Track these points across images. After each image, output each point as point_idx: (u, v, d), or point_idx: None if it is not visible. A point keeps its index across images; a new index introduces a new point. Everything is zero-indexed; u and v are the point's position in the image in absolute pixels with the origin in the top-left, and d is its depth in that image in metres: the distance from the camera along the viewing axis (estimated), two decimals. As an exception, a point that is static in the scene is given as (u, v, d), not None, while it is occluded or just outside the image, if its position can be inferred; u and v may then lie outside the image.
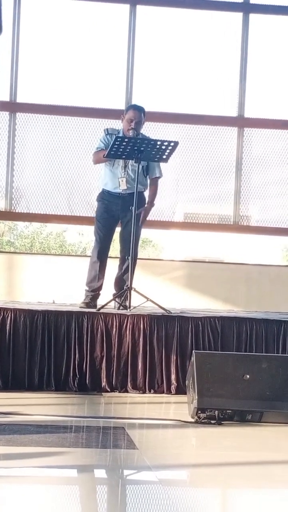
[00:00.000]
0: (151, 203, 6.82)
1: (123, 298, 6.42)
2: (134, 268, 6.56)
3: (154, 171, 6.78)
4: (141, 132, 6.79)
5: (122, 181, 6.61)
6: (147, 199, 6.81)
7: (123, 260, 6.75)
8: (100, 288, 6.73)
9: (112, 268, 6.83)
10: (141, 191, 6.71)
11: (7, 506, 3.13)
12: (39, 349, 5.99)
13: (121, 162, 6.62)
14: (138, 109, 6.73)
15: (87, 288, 6.73)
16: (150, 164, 6.69)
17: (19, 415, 4.87)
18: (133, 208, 6.37)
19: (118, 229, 6.91)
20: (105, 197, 6.75)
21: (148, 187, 6.81)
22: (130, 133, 6.53)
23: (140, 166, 6.49)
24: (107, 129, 6.82)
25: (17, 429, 4.45)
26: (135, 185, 6.43)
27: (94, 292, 6.70)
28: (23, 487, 3.48)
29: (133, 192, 6.47)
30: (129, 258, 6.45)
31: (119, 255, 6.89)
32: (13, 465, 3.78)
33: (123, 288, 6.58)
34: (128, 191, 6.61)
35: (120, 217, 6.73)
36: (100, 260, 6.70)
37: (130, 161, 6.54)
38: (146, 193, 6.82)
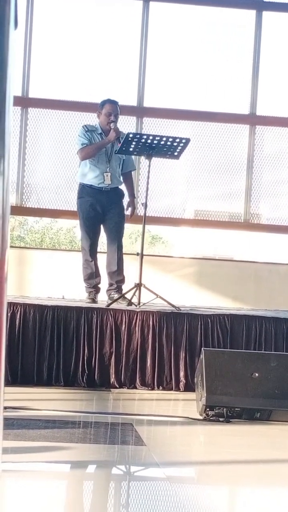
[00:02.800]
0: (134, 195, 6.97)
1: (132, 294, 6.44)
2: (141, 265, 6.57)
3: (129, 165, 6.89)
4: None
5: (107, 176, 6.70)
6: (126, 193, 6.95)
7: (111, 253, 6.79)
8: (99, 283, 6.83)
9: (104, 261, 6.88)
10: (119, 187, 6.86)
11: (15, 500, 3.14)
12: (48, 344, 6.00)
13: (104, 156, 6.68)
14: (114, 103, 6.78)
15: (87, 285, 6.79)
16: (126, 157, 6.77)
17: (27, 410, 4.88)
18: (144, 203, 6.44)
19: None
20: (89, 193, 6.79)
21: (124, 181, 6.90)
22: (112, 126, 6.59)
23: (119, 163, 6.72)
24: (85, 125, 6.85)
25: (25, 424, 4.46)
26: (120, 179, 6.56)
27: (95, 288, 6.78)
28: (31, 482, 3.49)
29: (115, 187, 6.75)
30: (138, 254, 6.47)
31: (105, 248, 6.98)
32: (22, 459, 3.79)
33: (118, 282, 6.70)
34: (111, 185, 6.73)
35: (105, 212, 6.78)
36: (93, 257, 6.80)
37: (114, 156, 6.64)
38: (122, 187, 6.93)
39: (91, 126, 6.81)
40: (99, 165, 6.72)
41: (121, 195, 6.85)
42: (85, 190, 6.82)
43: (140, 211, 6.81)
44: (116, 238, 6.82)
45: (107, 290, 6.77)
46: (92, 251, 6.79)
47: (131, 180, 7.01)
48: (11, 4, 1.30)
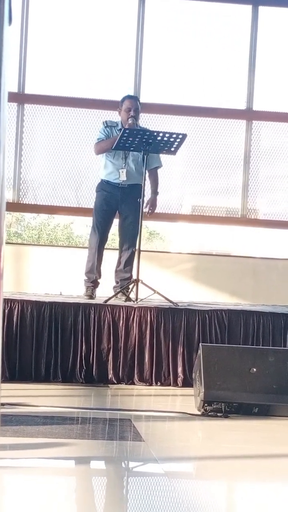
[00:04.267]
0: (156, 192, 6.87)
1: (130, 290, 6.43)
2: (139, 260, 6.56)
3: (153, 162, 6.79)
4: (139, 124, 6.86)
5: (122, 172, 6.67)
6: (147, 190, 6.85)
7: (122, 251, 6.77)
8: (98, 278, 6.77)
9: (112, 259, 6.85)
10: (141, 183, 6.67)
11: (14, 496, 3.14)
12: (46, 340, 6.00)
13: (121, 153, 6.67)
14: (134, 98, 6.87)
15: (86, 279, 6.76)
16: (149, 155, 6.70)
17: (26, 406, 4.88)
18: (140, 200, 6.41)
19: (116, 221, 6.94)
20: (105, 188, 6.78)
21: (148, 178, 6.84)
22: (130, 121, 6.58)
23: (141, 158, 6.56)
24: (106, 121, 6.87)
25: (24, 420, 4.45)
26: (141, 177, 6.49)
27: (93, 283, 6.74)
28: (29, 478, 3.49)
29: (132, 184, 6.62)
30: (135, 250, 6.46)
31: (117, 247, 6.93)
32: (20, 455, 3.79)
33: (122, 280, 6.68)
34: (128, 182, 6.68)
35: (119, 209, 6.76)
36: (98, 251, 6.74)
37: (131, 153, 6.59)
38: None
39: (111, 122, 6.84)
40: (114, 161, 6.72)
41: (138, 192, 6.54)
42: (101, 185, 6.83)
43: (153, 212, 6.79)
44: (127, 237, 6.76)
45: (114, 287, 6.75)
46: (98, 244, 6.73)
47: (154, 177, 6.88)
48: (5, 0, 1.29)
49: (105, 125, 6.77)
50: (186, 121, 9.01)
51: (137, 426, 4.50)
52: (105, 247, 6.86)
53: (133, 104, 6.73)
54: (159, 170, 6.92)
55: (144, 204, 6.64)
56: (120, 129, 6.65)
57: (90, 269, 6.75)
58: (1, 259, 1.22)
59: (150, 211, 6.77)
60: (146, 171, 6.72)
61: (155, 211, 6.90)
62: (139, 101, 6.87)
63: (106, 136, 6.72)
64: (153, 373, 6.08)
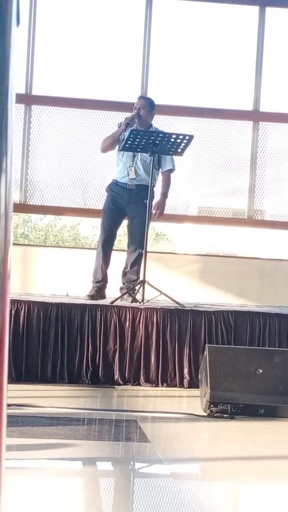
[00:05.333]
0: (165, 194, 6.81)
1: (136, 292, 6.42)
2: (145, 261, 6.55)
3: (165, 164, 6.78)
4: (154, 126, 6.86)
5: (130, 170, 6.67)
6: (157, 193, 6.84)
7: (129, 253, 6.77)
8: (104, 279, 6.72)
9: (120, 260, 6.84)
10: (151, 185, 6.63)
11: (20, 497, 3.15)
12: (52, 341, 6.01)
13: (130, 152, 6.67)
14: (143, 98, 6.97)
15: (93, 279, 6.76)
16: (162, 157, 6.70)
17: (32, 407, 4.89)
18: (147, 201, 6.40)
19: (125, 222, 6.94)
20: (113, 188, 6.79)
21: (161, 180, 6.83)
22: (129, 115, 6.63)
23: (151, 158, 6.50)
24: (120, 122, 6.86)
25: (30, 421, 4.46)
26: (149, 178, 6.50)
27: (98, 284, 6.70)
28: (35, 479, 3.49)
29: (140, 185, 6.61)
30: (142, 251, 6.46)
31: (126, 248, 6.93)
32: (26, 456, 3.80)
33: (128, 282, 6.66)
34: (135, 182, 6.67)
35: (127, 210, 6.75)
36: (104, 251, 6.71)
37: (139, 153, 6.60)
38: (156, 188, 6.81)
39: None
40: (123, 159, 6.73)
41: (145, 194, 6.47)
42: (111, 186, 6.84)
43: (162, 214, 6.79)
44: (135, 239, 6.73)
45: (120, 288, 6.74)
46: (104, 244, 6.73)
47: (166, 180, 6.83)
48: (13, 1, 1.30)
49: (119, 126, 6.81)
50: (193, 122, 9.01)
51: (143, 427, 4.50)
52: (113, 248, 6.85)
53: (140, 103, 6.78)
54: (172, 174, 6.89)
55: (153, 206, 6.64)
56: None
57: (96, 269, 6.75)
58: (8, 260, 1.23)
59: (157, 214, 6.74)
60: (159, 173, 6.74)
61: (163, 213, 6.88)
62: (150, 101, 6.87)
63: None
64: (159, 374, 6.08)
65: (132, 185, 6.69)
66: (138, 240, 6.68)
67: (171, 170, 6.84)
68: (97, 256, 6.75)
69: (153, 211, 6.65)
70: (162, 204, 6.76)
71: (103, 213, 6.85)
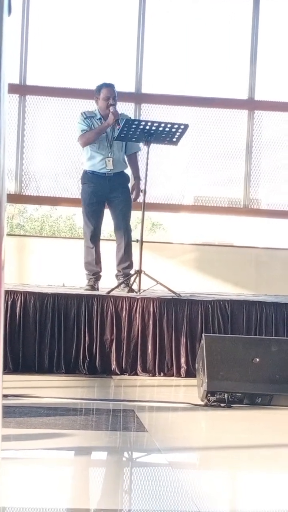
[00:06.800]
0: (139, 177, 6.90)
1: (132, 281, 6.44)
2: (141, 251, 6.56)
3: (132, 147, 6.83)
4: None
5: (109, 161, 6.69)
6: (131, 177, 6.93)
7: (118, 239, 6.80)
8: (100, 270, 6.79)
9: (111, 249, 6.85)
10: (124, 171, 6.83)
11: (17, 487, 3.15)
12: (49, 332, 6.01)
13: (105, 142, 6.67)
14: (111, 86, 6.76)
15: (87, 272, 6.78)
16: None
17: (29, 397, 4.89)
18: (143, 189, 6.44)
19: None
20: (92, 179, 6.79)
21: (128, 164, 6.89)
22: (111, 109, 6.56)
23: (123, 145, 6.67)
24: (84, 112, 6.84)
25: (27, 412, 4.47)
26: (125, 164, 6.67)
27: (95, 275, 6.75)
28: (33, 469, 3.50)
29: (118, 172, 6.74)
30: (135, 240, 6.47)
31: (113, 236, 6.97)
32: (24, 446, 3.80)
33: (123, 269, 6.69)
34: (114, 170, 6.72)
35: (109, 198, 6.78)
36: (95, 244, 6.77)
37: (115, 141, 6.60)
38: (127, 171, 6.91)
39: (90, 112, 6.80)
40: (100, 151, 6.72)
41: (126, 179, 6.83)
42: (87, 176, 6.82)
43: (139, 197, 6.79)
44: (122, 224, 6.81)
45: (116, 275, 6.78)
46: (93, 237, 6.77)
47: (135, 162, 6.95)
48: (4, -9, 1.29)
49: (85, 116, 6.73)
50: (188, 112, 8.99)
51: (140, 417, 4.51)
52: (100, 238, 6.87)
53: (112, 92, 6.68)
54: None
55: (130, 190, 6.80)
56: (99, 119, 6.67)
57: (89, 262, 6.76)
58: (3, 251, 1.22)
59: (135, 197, 6.82)
60: (127, 157, 6.81)
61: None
62: (115, 88, 6.77)
63: (88, 126, 6.69)
64: (156, 363, 6.09)
65: (111, 173, 6.71)
66: (126, 224, 6.81)
67: (138, 151, 6.95)
68: (88, 250, 6.77)
69: (132, 196, 6.81)
70: (138, 186, 6.84)
71: (86, 206, 6.83)
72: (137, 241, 6.51)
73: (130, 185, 6.88)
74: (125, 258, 6.74)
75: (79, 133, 6.74)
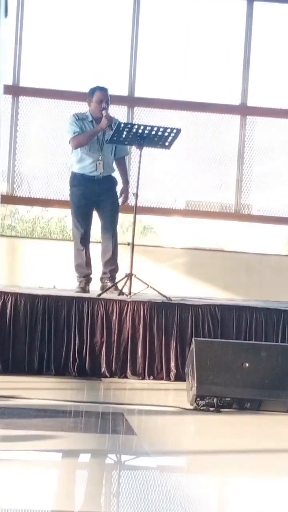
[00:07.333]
0: (127, 181, 6.96)
1: (123, 285, 6.44)
2: (132, 254, 6.57)
3: (121, 150, 6.87)
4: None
5: (99, 164, 6.71)
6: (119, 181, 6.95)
7: (105, 241, 6.81)
8: (91, 272, 6.80)
9: (98, 251, 6.87)
10: (112, 174, 6.86)
11: (6, 488, 3.15)
12: (39, 333, 6.00)
13: (96, 145, 6.69)
14: (104, 89, 6.76)
15: (78, 275, 6.78)
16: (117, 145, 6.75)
17: (18, 399, 4.89)
18: (135, 193, 6.45)
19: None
20: (81, 182, 6.79)
21: (117, 167, 6.91)
22: (104, 113, 6.56)
23: (113, 148, 6.71)
24: (76, 114, 6.85)
25: (16, 413, 4.46)
26: (113, 167, 6.69)
27: (86, 278, 6.76)
28: (20, 470, 3.49)
29: (106, 175, 6.76)
30: (129, 244, 6.47)
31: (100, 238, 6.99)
32: (12, 448, 3.80)
33: (113, 268, 6.73)
34: (104, 174, 6.74)
35: (97, 201, 6.79)
36: (85, 247, 6.79)
37: (105, 144, 6.63)
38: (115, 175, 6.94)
39: (82, 114, 6.80)
40: (91, 154, 6.72)
41: (114, 183, 6.85)
42: (76, 179, 6.82)
43: (131, 201, 6.81)
44: (110, 227, 6.82)
45: (101, 278, 6.78)
46: (83, 240, 6.78)
47: (124, 166, 6.99)
48: (3, -7, 1.29)
49: (77, 118, 6.74)
50: (180, 116, 9.00)
51: (129, 420, 4.51)
52: (89, 240, 6.88)
53: (105, 96, 6.69)
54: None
55: (118, 194, 6.83)
56: (91, 121, 6.68)
57: (80, 265, 6.77)
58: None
59: (123, 200, 6.86)
60: (114, 161, 6.83)
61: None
62: (108, 92, 6.77)
63: (80, 128, 6.70)
64: (146, 367, 6.09)
65: (100, 176, 6.72)
66: (113, 228, 6.83)
67: (126, 155, 7.04)
68: (78, 252, 6.78)
69: (120, 200, 6.84)
70: (127, 190, 6.87)
71: (75, 209, 6.83)
72: (128, 244, 6.51)
73: (118, 188, 6.88)
74: (112, 260, 6.76)
75: (71, 135, 6.74)
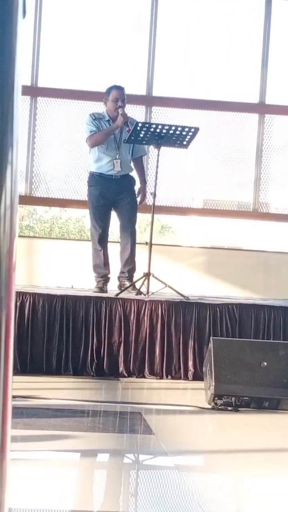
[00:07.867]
0: (145, 181, 6.96)
1: (141, 284, 6.44)
2: (149, 253, 6.57)
3: (138, 150, 6.86)
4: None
5: (116, 162, 6.70)
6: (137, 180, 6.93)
7: (124, 241, 6.81)
8: (109, 272, 6.80)
9: (116, 251, 6.87)
10: (130, 173, 6.86)
11: (25, 488, 3.16)
12: (57, 333, 6.01)
13: (113, 144, 6.68)
14: (120, 88, 6.76)
15: (96, 275, 6.78)
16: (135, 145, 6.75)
17: (37, 399, 4.90)
18: (153, 192, 6.45)
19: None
20: (99, 182, 6.79)
21: (134, 167, 6.92)
22: (120, 111, 6.57)
23: (130, 147, 6.69)
24: (93, 113, 6.85)
25: (35, 413, 4.47)
26: (131, 167, 6.67)
27: (104, 278, 6.77)
28: (39, 470, 3.50)
29: (124, 174, 6.75)
30: (147, 243, 6.48)
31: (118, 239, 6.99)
32: (31, 448, 3.81)
33: (131, 267, 6.72)
34: (121, 173, 6.74)
35: (115, 200, 6.79)
36: (103, 247, 6.79)
37: (122, 143, 6.61)
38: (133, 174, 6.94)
39: (98, 114, 6.81)
40: (108, 152, 6.72)
41: (132, 182, 6.85)
42: (94, 179, 6.83)
43: (149, 200, 6.81)
44: (128, 226, 6.82)
45: (119, 277, 6.78)
46: (101, 240, 6.78)
47: (142, 166, 6.99)
48: (19, -7, 1.29)
49: (93, 118, 6.75)
50: (198, 115, 8.99)
51: (147, 420, 4.51)
52: (107, 239, 6.89)
53: (121, 95, 6.68)
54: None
55: (136, 193, 6.82)
56: (108, 120, 6.68)
57: (98, 265, 6.77)
58: (14, 252, 1.23)
59: (141, 200, 6.86)
60: (132, 161, 6.83)
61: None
62: (125, 91, 6.76)
63: (96, 128, 6.70)
64: (163, 366, 6.09)
65: (118, 175, 6.72)
66: (131, 227, 6.82)
67: (144, 155, 7.03)
68: (96, 252, 6.78)
69: (138, 199, 6.83)
70: (144, 190, 6.88)
71: (93, 209, 6.84)
72: (146, 243, 6.52)
73: (136, 188, 6.88)
74: (130, 259, 6.76)
75: (87, 134, 6.75)
